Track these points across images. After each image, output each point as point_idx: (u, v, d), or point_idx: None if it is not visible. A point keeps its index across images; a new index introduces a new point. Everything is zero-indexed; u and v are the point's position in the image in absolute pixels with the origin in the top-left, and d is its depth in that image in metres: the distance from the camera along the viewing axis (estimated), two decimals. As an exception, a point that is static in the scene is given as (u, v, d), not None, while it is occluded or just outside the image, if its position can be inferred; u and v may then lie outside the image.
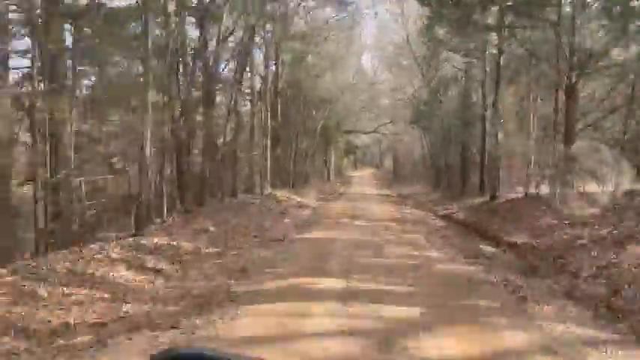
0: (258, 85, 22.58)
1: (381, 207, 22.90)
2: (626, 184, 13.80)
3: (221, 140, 17.91)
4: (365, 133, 54.98)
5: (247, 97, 22.64)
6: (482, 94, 22.41)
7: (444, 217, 19.88)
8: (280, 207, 18.97)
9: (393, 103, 48.12)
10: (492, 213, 17.30)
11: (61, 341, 4.71)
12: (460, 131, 26.47)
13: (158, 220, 12.30)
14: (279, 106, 27.71)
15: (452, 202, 24.24)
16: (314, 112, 34.89)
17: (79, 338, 4.81)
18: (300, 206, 20.30)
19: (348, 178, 61.54)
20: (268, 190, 24.06)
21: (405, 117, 47.96)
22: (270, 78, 26.16)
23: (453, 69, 27.82)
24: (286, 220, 15.77)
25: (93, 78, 18.04)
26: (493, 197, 19.49)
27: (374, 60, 48.79)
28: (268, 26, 21.00)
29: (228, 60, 18.80)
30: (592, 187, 14.68)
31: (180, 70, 15.45)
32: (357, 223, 15.17)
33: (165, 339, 4.74)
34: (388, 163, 77.39)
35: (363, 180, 60.69)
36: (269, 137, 25.52)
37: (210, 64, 15.90)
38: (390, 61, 39.27)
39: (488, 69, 21.41)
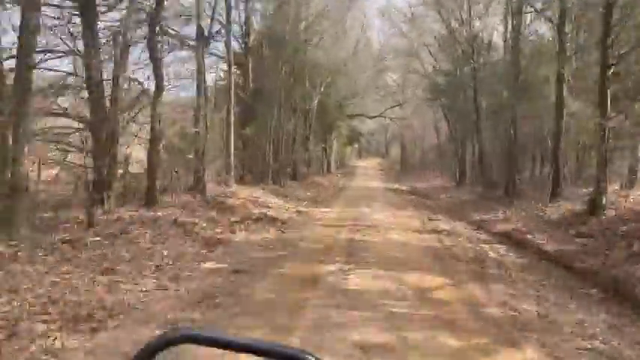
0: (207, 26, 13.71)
1: (398, 215, 14.10)
2: None
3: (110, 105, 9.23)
4: (370, 117, 46.04)
5: (189, 41, 13.73)
6: (558, 39, 13.51)
7: (505, 237, 11.12)
8: (221, 225, 10.24)
9: (403, 77, 39.33)
10: (623, 243, 8.50)
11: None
12: (508, 104, 17.50)
13: None
14: (250, 67, 18.92)
15: (499, 207, 15.49)
16: (307, 84, 26.02)
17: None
18: (265, 220, 11.57)
19: (351, 169, 53.03)
20: (230, 188, 15.43)
21: (416, 97, 39.37)
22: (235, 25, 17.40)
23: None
24: (205, 266, 7.07)
25: None
26: (595, 207, 10.70)
27: (382, 28, 39.66)
28: None
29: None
30: None
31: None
32: (355, 281, 6.37)
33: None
34: (395, 152, 68.51)
35: (367, 170, 52.16)
36: (233, 109, 16.82)
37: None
38: (403, 20, 30.26)
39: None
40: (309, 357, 0.88)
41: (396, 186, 31.31)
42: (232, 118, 16.62)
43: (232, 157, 16.65)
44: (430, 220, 13.54)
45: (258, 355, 0.88)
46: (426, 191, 25.77)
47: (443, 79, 27.69)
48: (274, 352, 0.88)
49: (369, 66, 36.96)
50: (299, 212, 13.76)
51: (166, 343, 0.90)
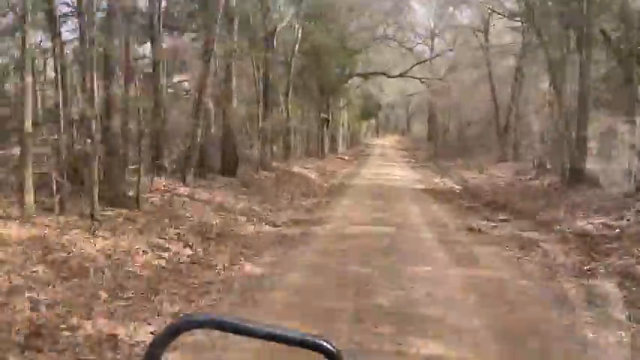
0: None
1: None
2: None
3: None
4: (390, 76, 30.51)
5: None
6: None
7: None
8: None
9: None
10: None
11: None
12: None
13: None
14: None
15: None
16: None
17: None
18: None
19: (364, 148, 38.28)
20: None
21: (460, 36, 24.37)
22: None
23: None
24: None
25: None
26: None
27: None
28: None
29: None
30: None
31: None
32: None
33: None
34: (417, 127, 52.38)
35: (385, 150, 37.10)
36: None
37: None
38: None
39: None
40: (326, 344, 0.80)
41: (437, 180, 16.39)
42: None
43: None
44: None
45: (278, 342, 0.80)
46: (517, 202, 10.76)
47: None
48: (296, 340, 0.80)
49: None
50: None
51: (177, 329, 0.82)
